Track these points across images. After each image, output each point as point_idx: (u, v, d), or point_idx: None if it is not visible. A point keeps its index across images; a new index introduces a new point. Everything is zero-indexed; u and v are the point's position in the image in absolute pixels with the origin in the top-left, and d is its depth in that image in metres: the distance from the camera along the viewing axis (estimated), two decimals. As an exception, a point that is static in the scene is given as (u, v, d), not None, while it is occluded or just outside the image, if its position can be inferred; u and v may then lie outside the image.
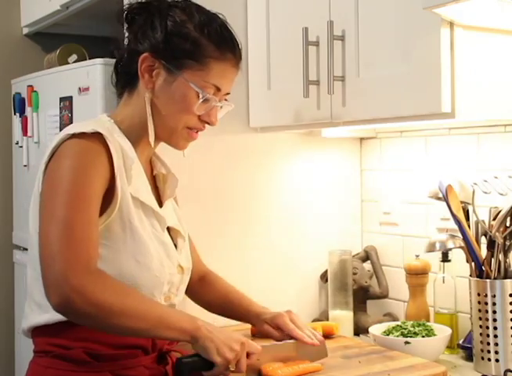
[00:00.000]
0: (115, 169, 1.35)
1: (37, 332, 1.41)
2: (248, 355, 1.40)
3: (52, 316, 1.34)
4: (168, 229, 1.51)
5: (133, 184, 1.40)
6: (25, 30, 3.00)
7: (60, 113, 2.30)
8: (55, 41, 2.83)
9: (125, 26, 1.51)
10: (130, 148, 1.42)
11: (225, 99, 1.51)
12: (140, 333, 1.33)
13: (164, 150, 1.60)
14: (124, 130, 1.45)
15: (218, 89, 1.46)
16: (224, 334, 1.38)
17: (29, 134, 2.57)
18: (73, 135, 1.34)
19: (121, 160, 1.38)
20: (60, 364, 1.36)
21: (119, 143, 1.40)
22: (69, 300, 1.23)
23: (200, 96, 1.43)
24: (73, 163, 1.32)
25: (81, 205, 1.29)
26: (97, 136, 1.34)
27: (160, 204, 1.51)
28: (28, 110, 2.57)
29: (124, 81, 1.50)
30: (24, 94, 2.61)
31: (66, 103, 2.26)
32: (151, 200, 1.45)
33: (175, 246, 1.51)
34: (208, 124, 1.50)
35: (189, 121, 1.46)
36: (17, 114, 2.68)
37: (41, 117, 2.49)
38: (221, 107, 1.51)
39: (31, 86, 2.55)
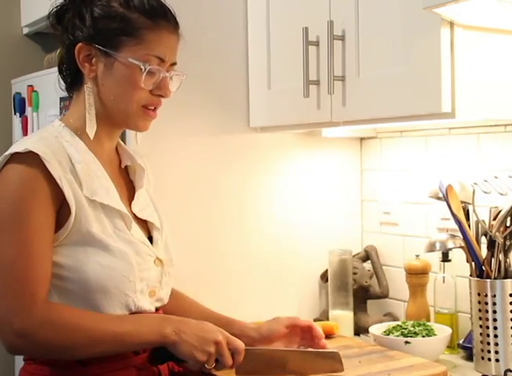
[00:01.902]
0: (61, 187, 1.32)
1: None
2: (233, 354, 1.37)
3: None
4: (144, 221, 1.49)
5: (88, 187, 1.36)
6: (25, 30, 3.00)
7: (60, 113, 2.30)
8: (56, 41, 2.82)
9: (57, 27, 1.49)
10: (78, 151, 1.39)
11: (174, 70, 1.48)
12: (106, 354, 1.33)
13: (163, 150, 1.60)
14: (78, 129, 1.42)
15: (162, 60, 1.43)
16: (197, 334, 1.35)
17: (29, 134, 2.57)
18: (11, 158, 1.32)
19: (68, 169, 1.35)
20: (47, 370, 1.36)
21: (67, 152, 1.37)
22: (14, 344, 1.26)
23: (143, 69, 1.40)
24: (12, 197, 1.30)
25: (21, 245, 1.28)
26: (32, 156, 1.31)
27: (132, 196, 1.50)
28: (28, 110, 2.57)
29: (71, 80, 1.48)
30: (24, 94, 2.61)
31: (66, 102, 2.26)
32: (111, 199, 1.41)
33: (151, 238, 1.49)
34: (162, 97, 1.45)
35: (141, 99, 1.43)
36: (17, 114, 2.68)
37: (42, 117, 2.49)
38: (172, 78, 1.47)
39: (31, 86, 2.55)
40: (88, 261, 1.34)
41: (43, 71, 2.54)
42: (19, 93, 2.67)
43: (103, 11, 1.41)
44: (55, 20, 1.49)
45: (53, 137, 1.39)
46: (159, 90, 1.44)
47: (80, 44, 1.41)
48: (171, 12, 1.46)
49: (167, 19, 1.44)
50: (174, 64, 1.47)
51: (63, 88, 1.51)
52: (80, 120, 1.43)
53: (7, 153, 1.33)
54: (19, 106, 2.64)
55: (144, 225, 1.50)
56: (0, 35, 2.95)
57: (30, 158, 1.31)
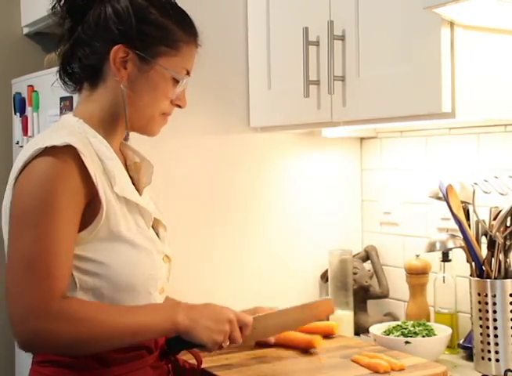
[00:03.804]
0: (95, 183, 1.30)
1: None
2: (241, 328, 1.41)
3: None
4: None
5: (118, 183, 1.36)
6: (25, 30, 3.00)
7: (61, 113, 2.30)
8: (55, 41, 2.82)
9: (70, 21, 1.44)
10: (107, 147, 1.39)
11: None
12: (122, 346, 1.34)
13: (163, 150, 1.60)
14: (94, 126, 1.40)
15: (188, 72, 1.47)
16: (210, 316, 1.37)
17: (29, 134, 2.57)
18: (45, 151, 1.28)
19: (100, 165, 1.35)
20: (67, 373, 1.34)
21: (93, 148, 1.35)
22: (30, 342, 1.24)
23: (180, 81, 1.44)
24: (42, 192, 1.26)
25: (46, 241, 1.25)
26: (69, 150, 1.28)
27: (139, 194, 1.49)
28: (28, 109, 2.57)
29: (84, 76, 1.44)
30: (24, 94, 2.61)
31: (67, 102, 2.26)
32: (135, 196, 1.42)
33: (158, 235, 1.49)
34: (180, 107, 1.49)
35: (165, 107, 1.46)
36: (17, 114, 2.68)
37: (42, 117, 2.49)
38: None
39: (31, 86, 2.55)
40: (118, 257, 1.34)
41: (43, 71, 2.54)
42: (19, 93, 2.67)
43: (144, 16, 1.40)
44: (67, 14, 1.44)
45: (78, 133, 1.36)
46: (178, 101, 1.48)
47: (119, 45, 1.38)
48: (198, 32, 1.50)
49: (197, 35, 1.49)
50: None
51: (67, 83, 1.48)
52: (96, 116, 1.42)
53: (38, 146, 1.28)
54: (20, 106, 2.64)
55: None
56: (0, 35, 2.95)
57: (67, 152, 1.28)
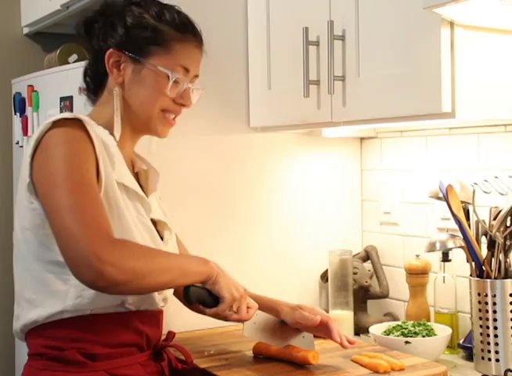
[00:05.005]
0: (97, 154, 1.36)
1: (31, 334, 1.42)
2: (247, 308, 1.49)
3: (43, 311, 1.36)
4: (154, 222, 1.52)
5: (117, 170, 1.41)
6: (25, 30, 3.00)
7: (60, 113, 2.30)
8: (56, 41, 2.83)
9: (86, 36, 1.55)
10: (109, 137, 1.43)
11: (195, 84, 1.55)
12: (167, 286, 1.42)
13: (163, 150, 1.60)
14: (104, 129, 1.46)
15: (187, 70, 1.50)
16: (230, 277, 1.47)
17: (29, 134, 2.57)
18: (55, 124, 1.36)
19: (102, 146, 1.40)
20: (55, 366, 1.37)
21: (95, 132, 1.40)
22: (103, 273, 1.24)
23: (170, 77, 1.47)
24: (64, 150, 1.34)
25: (84, 189, 1.31)
26: (77, 123, 1.37)
27: None
28: (28, 109, 2.57)
29: (95, 83, 1.54)
30: (24, 94, 2.61)
31: (67, 102, 2.26)
32: (135, 185, 1.47)
33: (161, 238, 1.52)
34: (184, 106, 1.53)
35: (163, 104, 1.49)
36: (17, 114, 2.67)
37: (42, 117, 2.49)
38: (193, 91, 1.54)
39: (31, 86, 2.55)
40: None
41: (43, 71, 2.54)
42: (19, 93, 2.67)
43: (136, 21, 1.49)
44: (83, 30, 1.54)
45: (87, 119, 1.41)
46: (181, 99, 1.52)
47: (110, 50, 1.47)
48: (197, 28, 1.55)
49: (194, 34, 1.53)
50: (196, 77, 1.55)
51: (88, 90, 1.57)
52: (104, 121, 1.48)
53: (48, 122, 1.37)
54: (20, 106, 2.64)
55: (154, 227, 1.52)
56: (0, 35, 2.95)
57: (75, 123, 1.37)
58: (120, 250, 1.28)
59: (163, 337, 1.54)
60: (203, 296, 1.45)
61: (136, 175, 1.56)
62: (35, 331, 1.40)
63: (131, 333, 1.43)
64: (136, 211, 1.45)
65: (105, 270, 1.24)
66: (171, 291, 1.56)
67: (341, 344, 1.59)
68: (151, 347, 1.47)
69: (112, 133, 1.46)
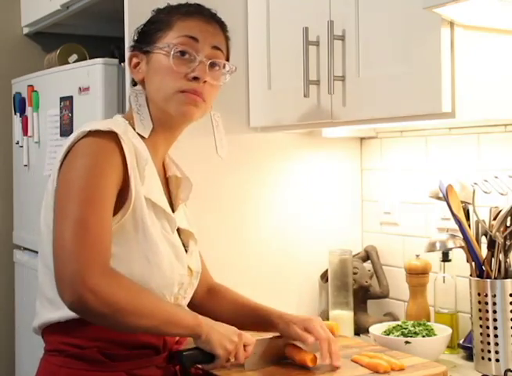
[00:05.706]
0: (129, 169, 1.35)
1: (49, 330, 1.41)
2: (244, 346, 1.44)
3: (65, 313, 1.34)
4: (179, 231, 1.51)
5: (146, 185, 1.40)
6: (25, 30, 3.00)
7: (61, 112, 2.30)
8: (56, 41, 2.83)
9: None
10: (144, 148, 1.42)
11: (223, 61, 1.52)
12: (149, 330, 1.36)
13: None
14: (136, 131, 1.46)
15: (194, 39, 1.46)
16: (222, 327, 1.42)
17: (29, 134, 2.57)
18: (89, 133, 1.34)
19: (135, 160, 1.38)
20: (74, 363, 1.37)
21: (132, 143, 1.39)
22: (83, 299, 1.23)
23: (172, 52, 1.44)
24: (88, 162, 1.33)
25: (95, 205, 1.30)
26: (111, 135, 1.35)
27: (173, 208, 1.52)
28: (28, 109, 2.57)
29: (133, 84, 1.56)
30: (24, 94, 2.62)
31: (67, 102, 2.26)
32: (163, 202, 1.46)
33: (186, 249, 1.51)
34: (197, 79, 1.45)
35: (176, 83, 1.44)
36: (17, 114, 2.68)
37: (42, 117, 2.49)
38: (215, 66, 1.49)
39: (31, 86, 2.55)
40: (138, 253, 1.37)
41: (43, 71, 2.55)
42: (19, 93, 2.67)
43: (147, 20, 1.52)
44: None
45: (122, 129, 1.40)
46: (193, 73, 1.45)
47: (129, 54, 1.51)
48: (207, 8, 1.52)
49: (200, 12, 1.50)
50: (216, 49, 1.48)
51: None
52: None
53: (82, 130, 1.35)
54: (20, 106, 2.65)
55: (179, 234, 1.52)
56: (0, 35, 2.95)
57: (109, 136, 1.35)
58: (109, 281, 1.26)
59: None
60: (197, 357, 1.42)
61: (166, 180, 1.55)
62: (54, 327, 1.39)
63: (150, 335, 1.41)
64: (162, 227, 1.43)
65: (85, 296, 1.23)
66: (186, 300, 1.53)
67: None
68: (167, 350, 1.47)
69: (145, 140, 1.44)
